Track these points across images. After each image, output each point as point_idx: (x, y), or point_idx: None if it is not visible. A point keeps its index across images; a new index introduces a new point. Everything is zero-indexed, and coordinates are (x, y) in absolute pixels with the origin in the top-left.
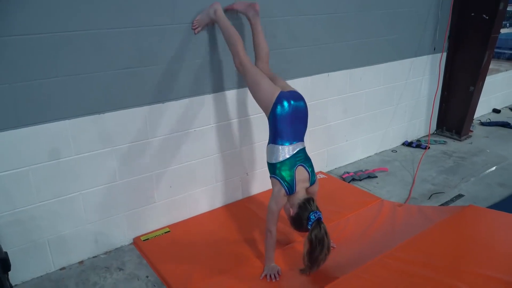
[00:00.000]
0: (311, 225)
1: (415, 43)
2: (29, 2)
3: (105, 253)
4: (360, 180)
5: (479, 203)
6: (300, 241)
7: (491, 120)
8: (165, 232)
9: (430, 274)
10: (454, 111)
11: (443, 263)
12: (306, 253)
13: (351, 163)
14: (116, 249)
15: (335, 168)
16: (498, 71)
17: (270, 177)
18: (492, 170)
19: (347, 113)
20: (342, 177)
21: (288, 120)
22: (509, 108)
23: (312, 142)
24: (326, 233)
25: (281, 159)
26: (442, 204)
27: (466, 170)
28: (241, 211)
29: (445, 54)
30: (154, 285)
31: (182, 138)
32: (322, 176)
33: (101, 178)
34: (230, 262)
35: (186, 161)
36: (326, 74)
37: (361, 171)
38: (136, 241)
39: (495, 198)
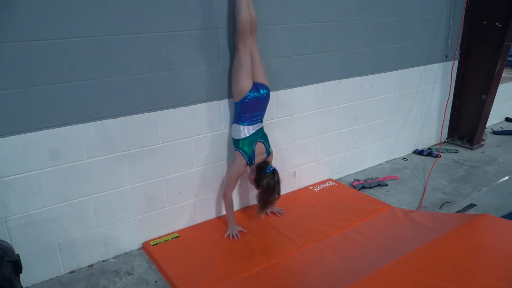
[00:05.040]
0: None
1: (427, 51)
2: (45, 9)
3: (115, 257)
4: (370, 188)
5: (491, 212)
6: None
7: (504, 129)
8: (174, 237)
9: (441, 283)
10: (466, 119)
11: (455, 272)
12: (259, 197)
13: (361, 170)
14: (126, 253)
15: (345, 176)
16: (510, 79)
17: (235, 150)
18: (505, 180)
19: (358, 120)
20: (352, 185)
21: (252, 107)
22: None
23: (322, 149)
24: (278, 181)
25: (243, 136)
26: None
27: (478, 179)
28: (250, 217)
29: (457, 62)
30: None
31: (193, 144)
32: (332, 183)
33: (111, 183)
34: (239, 267)
35: (196, 167)
36: (337, 81)
37: (372, 179)
38: (146, 246)
39: (508, 208)
